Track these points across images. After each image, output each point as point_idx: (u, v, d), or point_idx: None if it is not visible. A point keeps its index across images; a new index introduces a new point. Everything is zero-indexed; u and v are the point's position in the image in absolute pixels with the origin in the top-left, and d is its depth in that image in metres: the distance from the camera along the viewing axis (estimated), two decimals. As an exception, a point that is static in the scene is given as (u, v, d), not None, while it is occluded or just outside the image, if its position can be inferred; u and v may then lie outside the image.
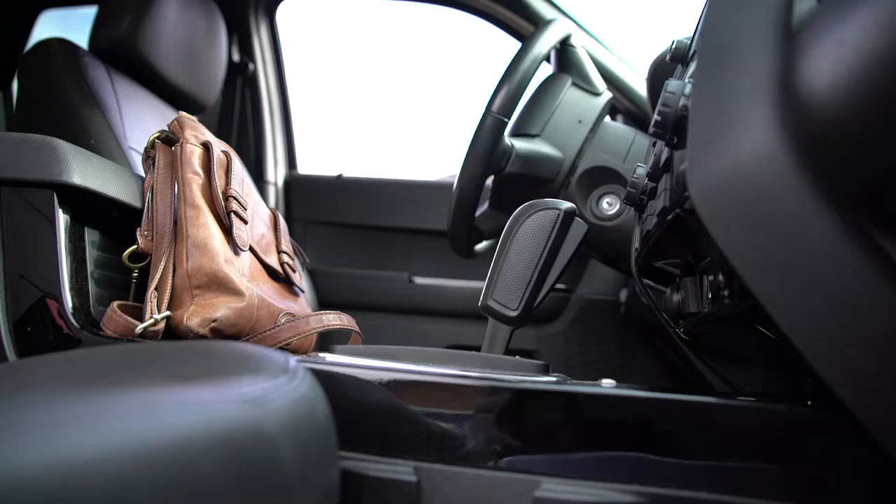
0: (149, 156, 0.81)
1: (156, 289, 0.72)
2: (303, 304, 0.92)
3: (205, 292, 0.73)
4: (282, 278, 0.90)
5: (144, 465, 0.30)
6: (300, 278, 0.95)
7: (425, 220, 1.57)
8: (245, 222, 0.83)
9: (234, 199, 0.81)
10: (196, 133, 0.83)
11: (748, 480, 0.44)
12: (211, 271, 0.74)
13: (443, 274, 1.56)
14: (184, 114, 0.85)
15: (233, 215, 0.80)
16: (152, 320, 0.70)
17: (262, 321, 0.78)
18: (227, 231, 0.79)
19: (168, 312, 0.72)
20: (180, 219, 0.76)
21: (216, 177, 0.80)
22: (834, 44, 0.33)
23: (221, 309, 0.73)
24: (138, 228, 0.76)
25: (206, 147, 0.82)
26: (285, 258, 0.92)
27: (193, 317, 0.71)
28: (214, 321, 0.72)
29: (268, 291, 0.83)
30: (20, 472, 0.26)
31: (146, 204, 0.77)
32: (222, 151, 0.84)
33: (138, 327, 0.69)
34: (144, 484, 0.30)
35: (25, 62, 1.12)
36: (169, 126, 0.83)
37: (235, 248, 0.79)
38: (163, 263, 0.74)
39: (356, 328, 0.87)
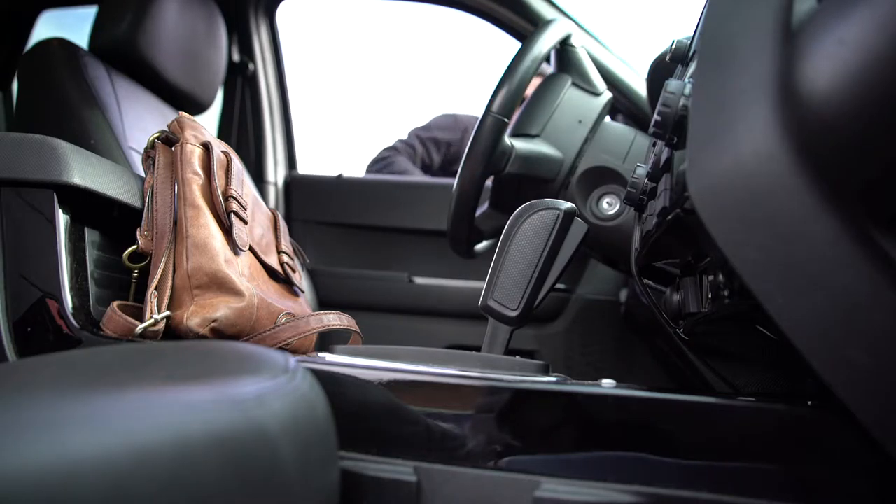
0: (149, 156, 0.81)
1: (156, 289, 0.72)
2: (303, 304, 0.92)
3: (205, 292, 0.74)
4: (282, 278, 0.90)
5: (144, 465, 0.30)
6: (300, 278, 0.95)
7: (425, 220, 1.57)
8: (245, 222, 0.83)
9: (234, 199, 0.81)
10: (196, 133, 0.83)
11: (748, 480, 0.44)
12: (211, 271, 0.74)
13: (443, 274, 1.56)
14: (184, 114, 0.85)
15: (232, 215, 0.79)
16: (152, 320, 0.69)
17: (262, 321, 0.78)
18: (227, 231, 0.79)
19: (168, 312, 0.72)
20: (180, 219, 0.76)
21: (216, 177, 0.80)
22: (834, 44, 0.33)
23: (221, 309, 0.73)
24: (138, 228, 0.76)
25: (206, 147, 0.82)
26: (285, 258, 0.92)
27: (193, 317, 0.71)
28: (214, 321, 0.72)
29: (268, 291, 0.83)
30: (20, 473, 0.26)
31: (146, 204, 0.77)
32: (222, 151, 0.84)
33: (138, 327, 0.69)
34: (144, 484, 0.30)
35: (25, 62, 1.12)
36: (169, 126, 0.83)
37: (235, 249, 0.79)
38: (163, 264, 0.73)
39: (356, 328, 0.87)
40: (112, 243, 0.78)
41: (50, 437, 0.29)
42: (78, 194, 0.70)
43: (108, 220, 0.77)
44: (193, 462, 0.32)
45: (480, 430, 0.49)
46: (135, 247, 0.75)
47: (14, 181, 0.68)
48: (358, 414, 0.51)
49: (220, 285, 0.74)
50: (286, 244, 0.95)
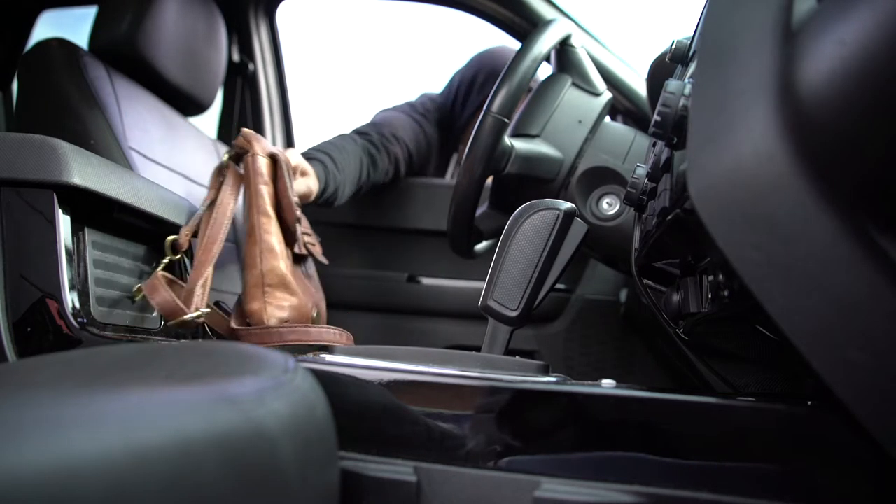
0: (221, 172, 0.91)
1: (201, 286, 0.81)
2: (315, 289, 1.02)
3: (275, 290, 0.86)
4: (302, 261, 1.00)
5: (144, 465, 0.30)
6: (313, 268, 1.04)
7: (425, 220, 1.57)
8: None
9: (298, 205, 0.91)
10: (262, 144, 0.92)
11: (748, 480, 0.44)
12: (281, 273, 0.87)
13: (443, 274, 1.56)
14: (245, 130, 0.93)
15: (297, 224, 0.91)
16: (198, 313, 0.78)
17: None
18: (290, 235, 0.92)
19: (207, 310, 0.80)
20: (253, 225, 0.88)
21: (283, 185, 0.91)
22: (834, 44, 0.33)
23: (287, 308, 0.87)
24: (184, 226, 0.85)
25: (273, 158, 0.92)
26: (307, 238, 1.00)
27: (272, 318, 0.86)
28: (286, 320, 0.86)
29: (303, 288, 0.93)
30: (20, 473, 0.26)
31: (202, 210, 0.87)
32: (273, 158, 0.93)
33: (188, 315, 0.77)
34: (144, 484, 0.30)
35: (25, 62, 1.12)
36: (234, 143, 0.93)
37: (293, 253, 0.91)
38: (210, 268, 0.82)
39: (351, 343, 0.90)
40: (112, 243, 0.78)
41: (50, 437, 0.29)
42: (78, 194, 0.70)
43: (108, 220, 0.77)
44: (193, 462, 0.32)
45: (480, 430, 0.49)
46: (176, 237, 0.84)
47: (14, 181, 0.68)
48: (358, 414, 0.51)
49: (286, 286, 0.87)
50: (307, 227, 1.03)
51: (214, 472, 0.33)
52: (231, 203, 0.88)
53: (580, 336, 1.46)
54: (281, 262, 0.87)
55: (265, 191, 0.88)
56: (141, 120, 1.13)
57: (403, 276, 1.56)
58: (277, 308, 0.86)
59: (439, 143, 1.59)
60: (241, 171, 0.91)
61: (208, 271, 0.81)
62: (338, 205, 1.26)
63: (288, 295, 0.87)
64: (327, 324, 0.95)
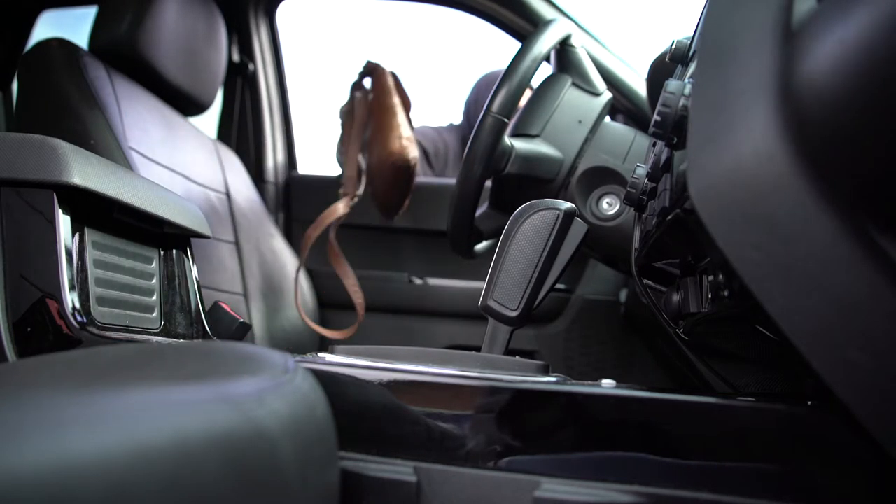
0: (355, 87, 1.53)
1: (357, 171, 1.51)
2: None
3: (407, 140, 1.42)
4: None
5: (144, 465, 0.30)
6: None
7: (425, 220, 1.57)
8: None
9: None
10: (384, 67, 1.51)
11: (748, 480, 0.44)
12: (409, 133, 1.44)
13: (443, 274, 1.56)
14: (370, 59, 1.52)
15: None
16: (357, 198, 1.52)
17: None
18: (408, 119, 1.50)
19: (362, 190, 1.52)
20: (387, 106, 1.46)
21: (401, 90, 1.52)
22: (834, 44, 0.33)
23: (416, 151, 1.45)
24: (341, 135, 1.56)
25: (393, 75, 1.53)
26: None
27: (409, 153, 1.42)
28: (417, 157, 1.46)
29: None
30: (20, 473, 0.26)
31: (344, 117, 1.55)
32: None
33: (357, 196, 1.51)
34: (144, 484, 0.30)
35: (25, 62, 1.12)
36: (364, 66, 1.53)
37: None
38: (359, 154, 1.51)
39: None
40: (112, 243, 0.78)
41: (50, 437, 0.29)
42: (78, 194, 0.70)
43: (108, 220, 0.77)
44: (193, 462, 0.32)
45: (480, 430, 0.49)
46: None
47: (14, 181, 0.68)
48: (358, 414, 0.51)
49: (412, 141, 1.44)
50: None
51: (214, 473, 0.33)
52: (363, 110, 1.50)
53: (580, 336, 1.46)
54: (407, 128, 1.44)
55: (394, 89, 1.48)
56: (141, 120, 1.13)
57: (403, 276, 1.56)
58: (412, 149, 1.43)
59: (461, 155, 1.90)
60: (368, 85, 1.51)
61: (359, 158, 1.50)
62: None
63: (414, 147, 1.44)
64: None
